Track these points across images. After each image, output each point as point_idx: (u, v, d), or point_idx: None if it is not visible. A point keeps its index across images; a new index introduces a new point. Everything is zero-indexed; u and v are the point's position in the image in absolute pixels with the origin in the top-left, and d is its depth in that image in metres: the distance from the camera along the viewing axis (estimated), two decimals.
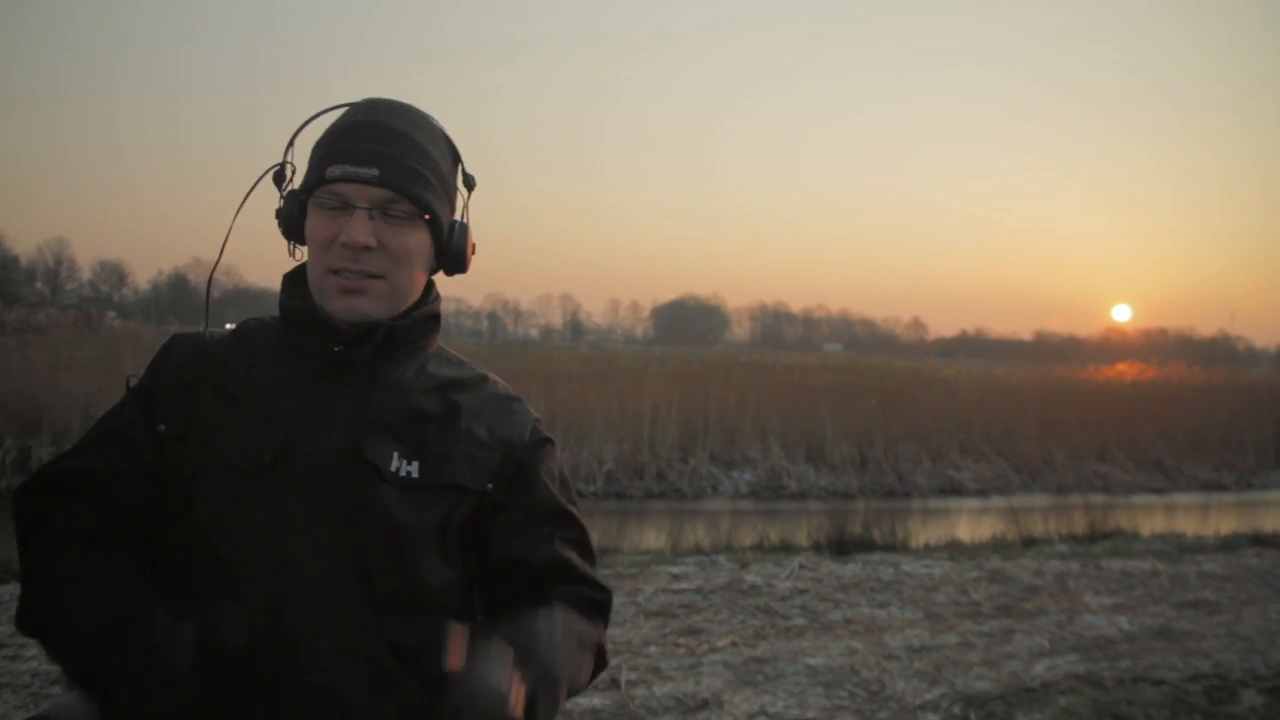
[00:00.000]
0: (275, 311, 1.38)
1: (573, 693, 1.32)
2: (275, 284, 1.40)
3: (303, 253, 1.35)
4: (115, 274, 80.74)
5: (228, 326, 1.42)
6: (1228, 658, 5.29)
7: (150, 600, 1.18)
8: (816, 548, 8.05)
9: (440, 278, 1.43)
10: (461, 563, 1.33)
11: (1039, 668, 5.01)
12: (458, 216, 1.39)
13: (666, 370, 20.03)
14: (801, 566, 6.93)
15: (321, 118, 1.37)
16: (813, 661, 4.95)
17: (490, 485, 1.34)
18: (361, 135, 1.29)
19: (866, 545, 8.13)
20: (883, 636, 5.45)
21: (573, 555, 1.39)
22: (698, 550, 7.87)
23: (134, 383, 1.35)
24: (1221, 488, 16.95)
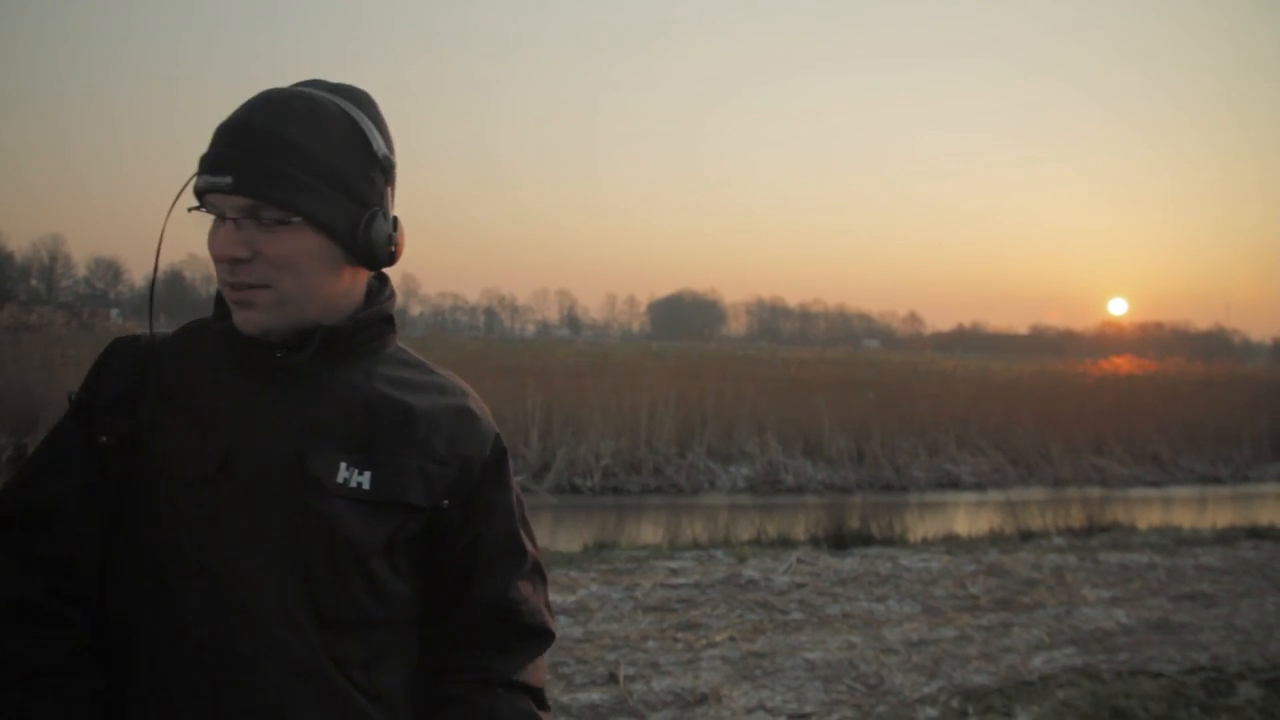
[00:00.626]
0: None
1: None
2: None
3: None
4: (111, 271, 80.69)
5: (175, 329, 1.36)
6: (1225, 650, 5.30)
7: None
8: (814, 542, 8.06)
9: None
10: (410, 575, 1.27)
11: (1037, 661, 5.02)
12: (377, 208, 1.25)
13: (663, 365, 20.04)
14: (799, 561, 6.93)
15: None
16: (811, 656, 4.95)
17: (446, 503, 1.26)
18: (221, 140, 1.20)
19: (864, 539, 8.14)
20: (881, 630, 5.45)
21: (522, 596, 1.33)
22: (695, 545, 7.87)
23: (74, 396, 1.29)
24: (1218, 481, 16.99)
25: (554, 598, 5.60)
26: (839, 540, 7.95)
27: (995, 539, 8.81)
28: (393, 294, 1.35)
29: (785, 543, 8.11)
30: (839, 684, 4.59)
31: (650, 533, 9.15)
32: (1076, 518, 9.44)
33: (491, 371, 16.57)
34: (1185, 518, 11.10)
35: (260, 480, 1.20)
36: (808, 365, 23.17)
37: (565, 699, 4.21)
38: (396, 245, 1.28)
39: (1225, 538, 8.87)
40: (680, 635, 5.21)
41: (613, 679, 4.48)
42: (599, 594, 5.85)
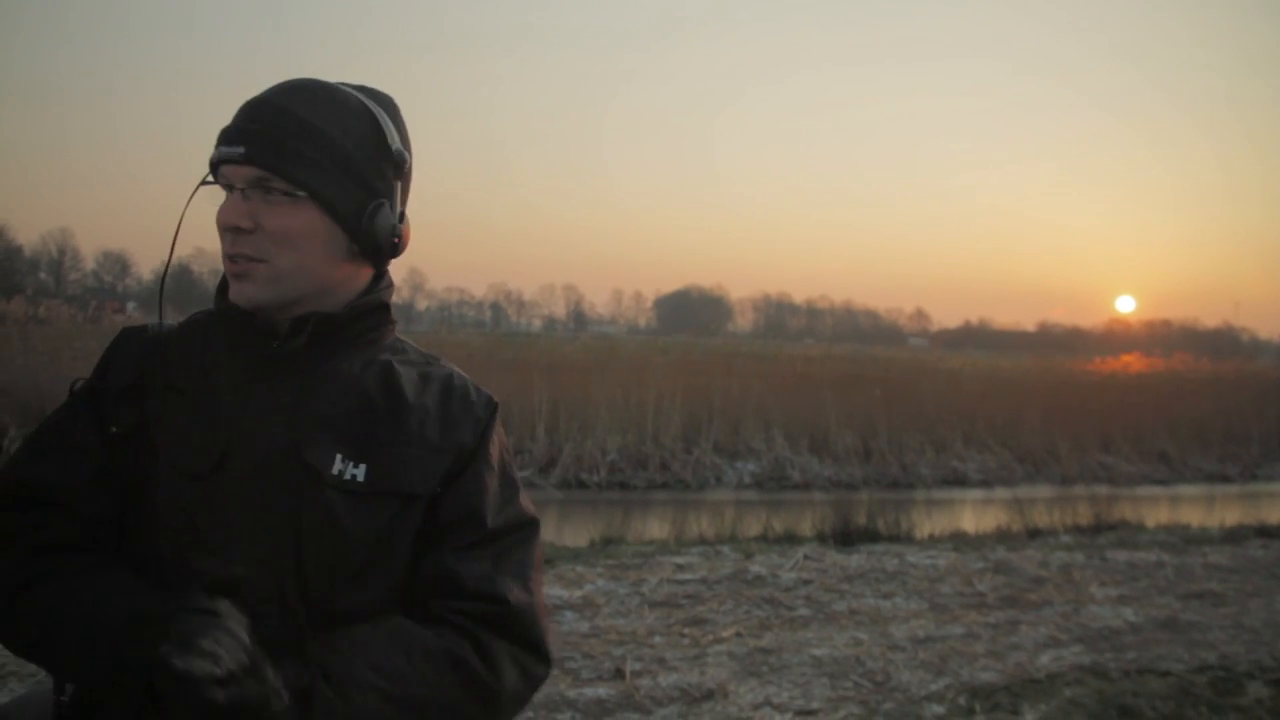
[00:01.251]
0: None
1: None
2: None
3: None
4: (119, 264, 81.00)
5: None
6: (1234, 649, 5.27)
7: (166, 596, 1.10)
8: (821, 538, 8.04)
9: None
10: (409, 564, 1.26)
11: (1044, 659, 5.00)
12: (384, 199, 1.27)
13: (670, 361, 20.01)
14: (806, 557, 6.92)
15: None
16: (818, 652, 4.94)
17: (440, 489, 1.27)
18: (240, 114, 1.23)
19: (871, 536, 8.12)
20: (888, 627, 5.44)
21: (507, 581, 1.26)
22: (702, 541, 7.85)
23: (78, 385, 1.30)
24: (1226, 479, 16.90)
25: (560, 593, 5.63)
26: (846, 537, 7.93)
27: (1002, 536, 8.78)
28: (391, 284, 1.36)
29: (792, 539, 8.10)
30: (845, 680, 4.58)
31: (657, 528, 9.14)
32: (1084, 515, 9.40)
33: (498, 366, 16.58)
34: (1193, 516, 11.05)
35: (258, 473, 1.21)
36: (814, 361, 23.10)
37: (571, 694, 4.21)
38: (400, 238, 1.30)
39: (1234, 536, 8.82)
40: (687, 631, 5.20)
41: (619, 674, 4.48)
42: (605, 589, 5.84)
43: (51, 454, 1.25)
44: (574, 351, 22.29)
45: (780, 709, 4.23)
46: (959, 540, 8.39)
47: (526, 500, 1.35)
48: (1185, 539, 8.60)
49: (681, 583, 6.10)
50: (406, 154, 1.30)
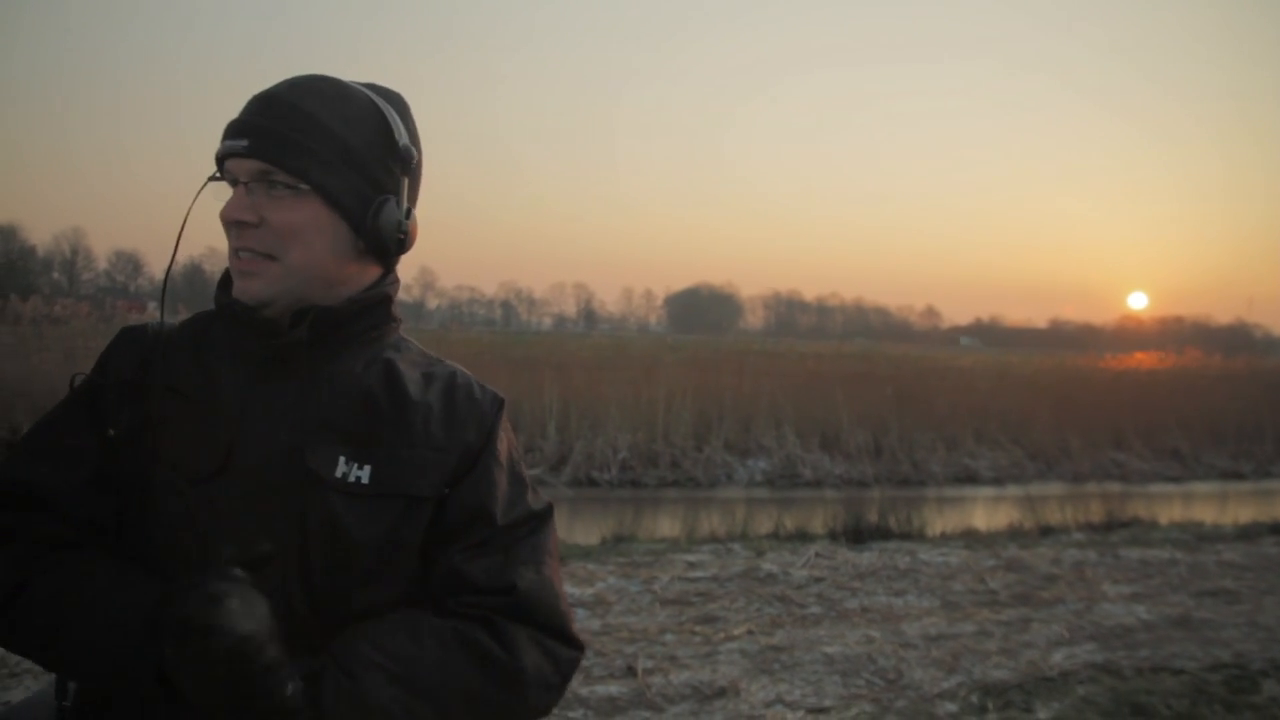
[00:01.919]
0: None
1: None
2: None
3: None
4: (131, 263, 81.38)
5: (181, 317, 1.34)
6: (1248, 647, 5.25)
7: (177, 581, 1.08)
8: (832, 536, 8.02)
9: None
10: (416, 566, 1.24)
11: (1057, 656, 4.99)
12: (391, 195, 1.26)
13: (680, 359, 20.01)
14: (817, 555, 6.91)
15: None
16: (830, 650, 4.94)
17: (447, 490, 1.24)
18: (246, 108, 1.22)
19: (882, 533, 8.10)
20: (900, 625, 5.43)
21: (518, 568, 1.24)
22: (713, 538, 7.85)
23: (79, 381, 1.27)
24: (1239, 476, 16.81)
25: (572, 590, 5.63)
26: (857, 534, 7.92)
27: (1014, 534, 8.74)
28: (396, 281, 1.34)
29: (803, 536, 8.09)
30: (858, 678, 4.58)
31: (668, 526, 9.14)
32: (1096, 513, 9.36)
33: (508, 364, 16.61)
34: (1206, 513, 11.00)
35: (260, 476, 1.18)
36: (825, 359, 23.07)
37: (583, 691, 4.21)
38: (406, 234, 1.28)
39: (1247, 534, 8.78)
40: (698, 628, 5.21)
41: (631, 672, 4.48)
42: (617, 587, 5.85)
43: (47, 455, 1.23)
44: (584, 350, 22.30)
45: (792, 706, 4.23)
46: (971, 538, 8.37)
47: (536, 495, 1.33)
48: (1198, 536, 8.57)
49: (693, 580, 6.11)
50: (415, 150, 1.28)
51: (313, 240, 1.21)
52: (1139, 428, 17.47)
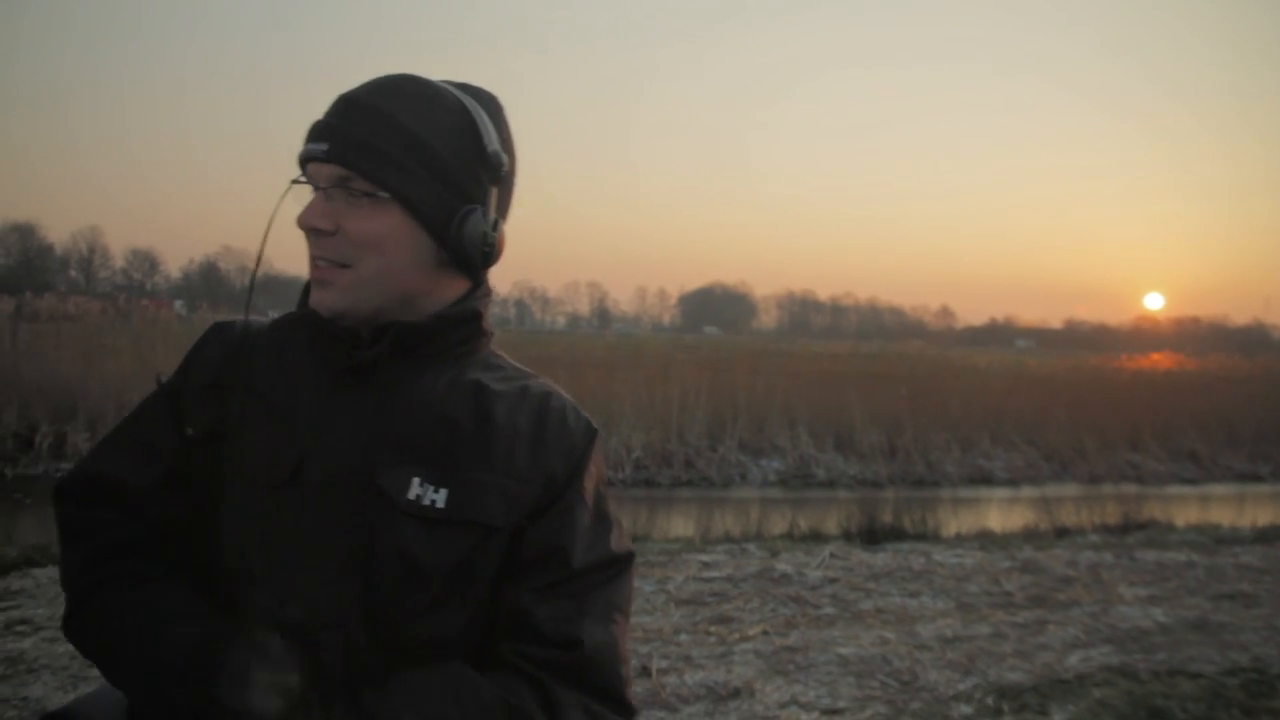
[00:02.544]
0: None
1: None
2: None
3: None
4: (147, 262, 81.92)
5: (271, 315, 1.33)
6: (1266, 651, 5.21)
7: (224, 626, 1.10)
8: (847, 536, 8.01)
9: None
10: (484, 599, 1.18)
11: (1073, 659, 4.97)
12: (477, 205, 1.19)
13: (694, 358, 20.00)
14: (832, 555, 6.90)
15: None
16: (844, 651, 4.93)
17: (525, 523, 1.18)
18: (329, 110, 1.17)
19: (897, 534, 8.08)
20: (914, 626, 5.41)
21: (586, 623, 1.17)
22: (728, 538, 7.85)
23: (164, 379, 1.26)
24: (1257, 478, 16.68)
25: None
26: (871, 535, 7.91)
27: (1030, 535, 8.70)
28: (488, 294, 1.27)
29: (818, 537, 8.08)
30: (872, 679, 4.57)
31: (682, 526, 9.15)
32: (1112, 515, 9.32)
33: (522, 363, 16.60)
34: (1224, 516, 10.93)
35: (328, 492, 1.14)
36: (840, 359, 23.04)
37: None
38: (493, 246, 1.21)
39: (1265, 536, 8.71)
40: (713, 629, 5.21)
41: (645, 672, 4.49)
42: None
43: (126, 451, 1.22)
44: (598, 349, 22.31)
45: (807, 708, 4.22)
46: (986, 539, 8.33)
47: (620, 537, 1.25)
48: (1216, 539, 8.51)
49: (707, 580, 6.10)
50: (505, 157, 1.20)
51: (390, 250, 1.15)
52: (1155, 429, 17.37)
